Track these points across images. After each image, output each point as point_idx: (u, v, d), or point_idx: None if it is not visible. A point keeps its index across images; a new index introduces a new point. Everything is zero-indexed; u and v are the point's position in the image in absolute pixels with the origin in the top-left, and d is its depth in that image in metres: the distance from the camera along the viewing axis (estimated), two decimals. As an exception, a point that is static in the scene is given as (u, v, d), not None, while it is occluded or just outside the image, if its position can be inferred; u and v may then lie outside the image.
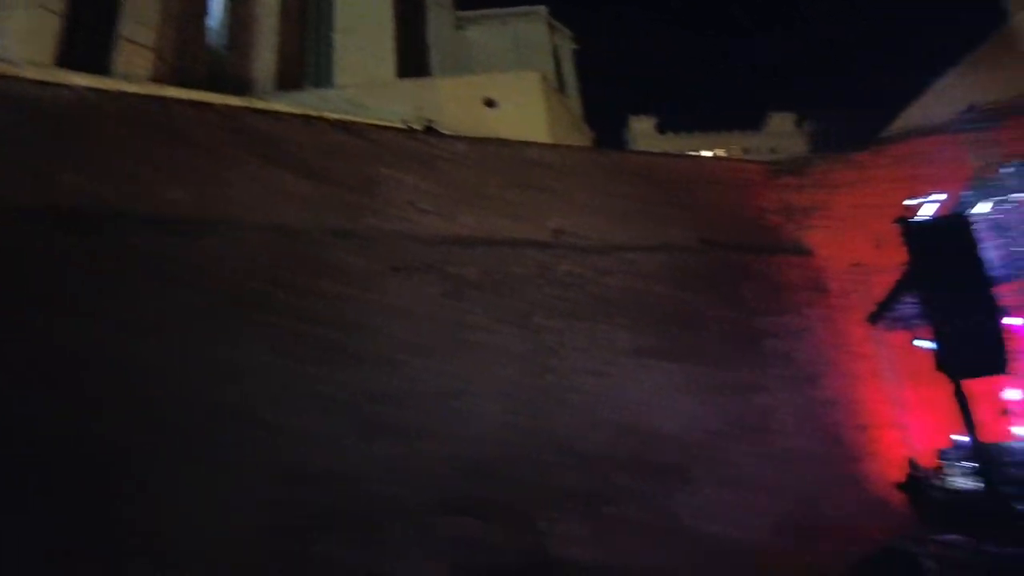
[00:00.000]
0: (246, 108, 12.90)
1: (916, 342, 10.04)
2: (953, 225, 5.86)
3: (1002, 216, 6.71)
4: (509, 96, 25.82)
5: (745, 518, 11.92)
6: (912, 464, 10.30)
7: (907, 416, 12.69)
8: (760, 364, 13.28)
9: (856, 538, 11.05)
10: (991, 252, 6.69)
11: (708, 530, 11.65)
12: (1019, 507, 7.54)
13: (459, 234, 12.40)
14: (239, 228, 10.68)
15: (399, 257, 11.76)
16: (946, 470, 10.18)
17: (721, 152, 34.42)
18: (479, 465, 10.64)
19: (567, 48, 35.75)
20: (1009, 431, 11.62)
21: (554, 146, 16.47)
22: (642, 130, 46.08)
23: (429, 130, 16.92)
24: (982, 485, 6.51)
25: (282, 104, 17.60)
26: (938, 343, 5.77)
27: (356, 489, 9.71)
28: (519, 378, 11.69)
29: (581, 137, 30.11)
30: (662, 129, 46.45)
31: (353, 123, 13.71)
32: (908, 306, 9.52)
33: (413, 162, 12.78)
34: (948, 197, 7.49)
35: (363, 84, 26.07)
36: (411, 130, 15.92)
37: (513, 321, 12.03)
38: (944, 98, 22.66)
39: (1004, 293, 7.61)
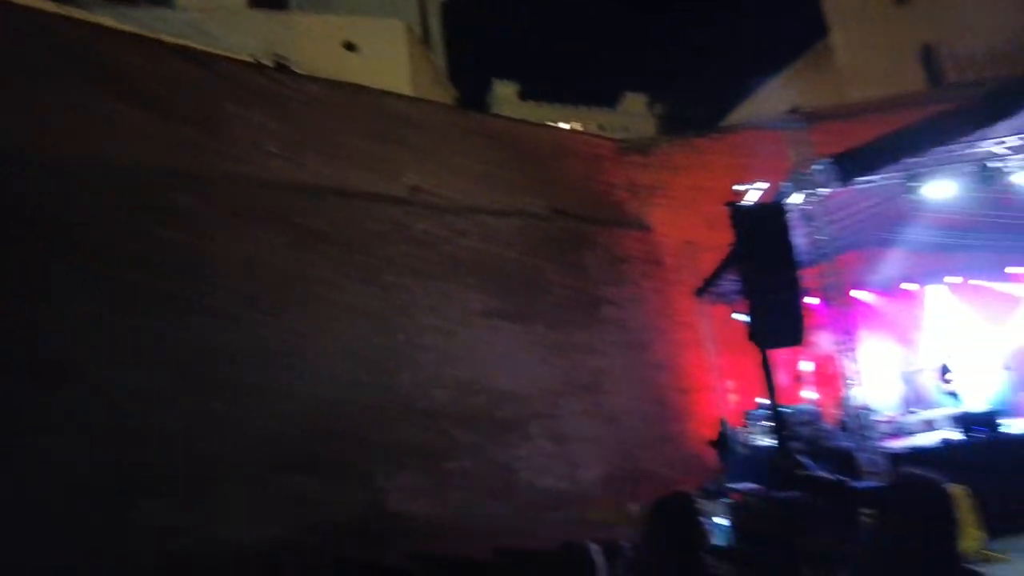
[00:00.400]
0: (62, 16, 11.09)
1: (734, 315, 11.11)
2: (771, 212, 6.55)
3: (811, 207, 7.57)
4: (371, 42, 24.68)
5: (576, 471, 12.79)
6: (722, 423, 11.50)
7: (722, 381, 14.17)
8: (598, 329, 14.10)
9: (673, 486, 12.26)
10: (799, 239, 7.58)
11: (542, 483, 12.35)
12: (801, 459, 8.74)
13: (309, 182, 11.76)
14: (57, 162, 9.25)
15: (242, 203, 10.94)
16: (749, 428, 11.52)
17: (578, 126, 35.48)
18: (318, 423, 10.38)
19: (435, 1, 34.80)
20: (801, 394, 13.39)
21: (416, 100, 16.01)
22: (505, 95, 46.16)
23: (280, 67, 15.73)
24: (776, 441, 7.43)
25: (109, 19, 15.45)
26: (750, 316, 6.42)
27: (187, 449, 9.09)
28: (366, 336, 11.48)
29: (444, 94, 29.61)
30: (524, 96, 46.87)
31: (195, 51, 12.38)
32: (729, 283, 10.50)
33: (262, 101, 11.85)
34: (769, 186, 8.36)
35: (208, 8, 23.62)
36: (260, 65, 14.71)
37: (363, 278, 11.73)
38: (773, 98, 25.09)
39: (806, 276, 8.64)
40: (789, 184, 7.70)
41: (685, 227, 15.23)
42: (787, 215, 7.00)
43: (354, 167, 12.39)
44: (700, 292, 13.06)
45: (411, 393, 11.63)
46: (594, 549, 2.31)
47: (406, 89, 22.60)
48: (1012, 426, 8.78)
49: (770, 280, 6.31)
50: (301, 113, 12.22)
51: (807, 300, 12.22)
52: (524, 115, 28.43)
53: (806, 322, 6.90)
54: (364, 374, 11.27)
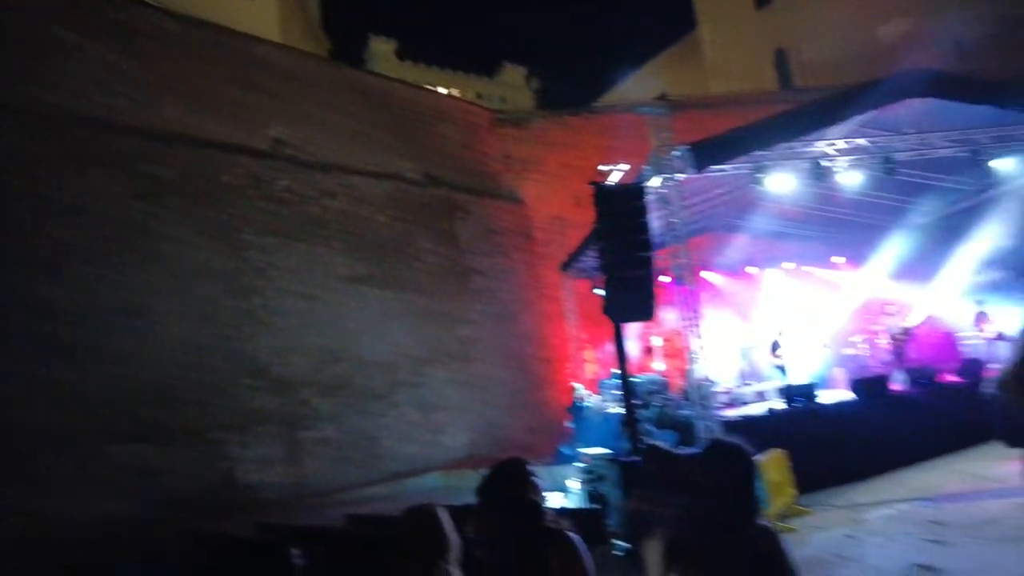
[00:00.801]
0: None
1: (595, 290, 11.59)
2: (630, 193, 6.88)
3: (667, 191, 8.03)
4: (238, -18, 22.84)
5: (441, 439, 12.92)
6: (575, 391, 12.03)
7: (582, 351, 14.84)
8: (468, 299, 14.21)
9: (533, 451, 12.72)
10: (655, 220, 8.03)
11: (407, 451, 12.36)
12: (645, 424, 9.38)
13: (159, 128, 10.74)
14: None
15: (78, 144, 9.80)
16: (603, 397, 12.16)
17: (455, 92, 35.05)
18: (161, 389, 9.68)
19: (311, -56, 32.75)
20: (650, 366, 14.31)
21: (285, 48, 15.01)
22: (382, 52, 44.53)
23: (130, -2, 14.11)
24: (624, 409, 7.90)
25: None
26: (605, 291, 6.75)
27: (12, 418, 8.17)
28: (218, 298, 10.79)
29: (316, 46, 28.15)
30: (402, 55, 45.54)
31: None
32: (591, 259, 10.92)
33: (106, 31, 10.60)
34: (631, 168, 8.78)
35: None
36: (105, -8, 13.12)
37: (216, 235, 10.97)
38: (642, 84, 26.30)
39: (660, 256, 9.17)
40: (649, 168, 8.10)
41: (555, 203, 15.63)
42: (645, 197, 7.38)
43: (211, 114, 11.48)
44: (565, 266, 13.53)
45: (268, 360, 11.14)
46: (441, 511, 2.36)
47: (275, 34, 21.25)
48: (827, 398, 9.94)
49: (626, 258, 6.64)
50: (154, 51, 11.09)
51: (660, 278, 13.06)
52: (401, 75, 27.64)
53: (657, 299, 7.32)
54: (216, 338, 10.63)
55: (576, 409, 11.79)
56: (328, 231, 12.37)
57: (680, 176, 8.06)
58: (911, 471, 8.33)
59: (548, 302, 15.27)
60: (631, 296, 6.80)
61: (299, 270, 11.73)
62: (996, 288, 12.35)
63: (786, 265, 15.85)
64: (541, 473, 8.51)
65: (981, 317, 11.98)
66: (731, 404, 11.96)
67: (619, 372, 7.20)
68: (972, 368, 10.08)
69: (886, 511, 6.68)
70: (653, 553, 1.95)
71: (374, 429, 12.14)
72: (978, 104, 9.03)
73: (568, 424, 12.45)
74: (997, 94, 9.33)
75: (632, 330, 14.80)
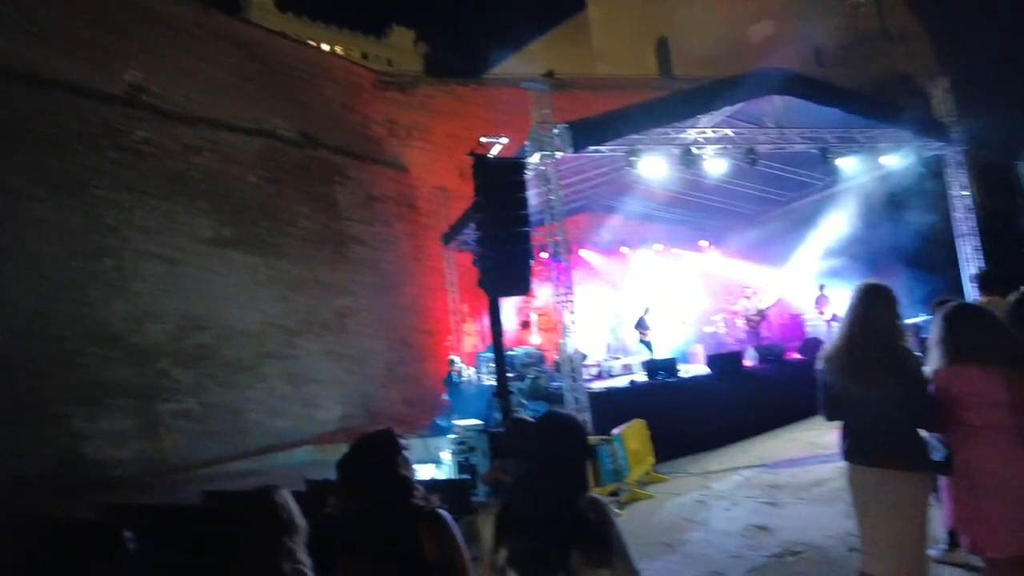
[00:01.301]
0: None
1: (475, 263, 11.58)
2: (510, 167, 6.89)
3: (545, 168, 8.12)
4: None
5: (313, 412, 12.53)
6: (451, 363, 12.07)
7: (462, 324, 14.86)
8: (346, 268, 13.78)
9: (409, 423, 12.62)
10: (534, 197, 8.11)
11: (277, 425, 11.88)
12: (518, 396, 9.58)
13: (-12, 62, 9.46)
14: None
15: None
16: (480, 369, 12.28)
17: (339, 50, 33.50)
18: (-5, 359, 8.70)
19: None
20: (528, 340, 14.62)
21: (147, -14, 13.62)
22: (260, 0, 41.67)
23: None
24: (495, 379, 7.98)
25: None
26: (482, 264, 6.76)
27: None
28: (63, 258, 9.77)
29: (186, -13, 25.75)
30: (283, 7, 42.87)
31: None
32: (473, 232, 10.86)
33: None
34: (513, 143, 8.78)
35: None
36: None
37: (61, 187, 9.87)
38: (530, 60, 26.41)
39: (538, 233, 9.29)
40: (530, 143, 8.14)
41: (440, 173, 15.41)
42: (525, 173, 7.42)
43: (58, 50, 10.23)
44: (447, 238, 13.41)
45: (122, 327, 10.26)
46: (283, 494, 2.24)
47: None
48: (686, 372, 10.57)
49: (503, 232, 6.66)
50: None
51: (540, 255, 13.29)
52: (281, 28, 25.99)
53: (533, 274, 7.41)
54: (59, 303, 9.63)
55: (452, 382, 11.83)
56: (192, 189, 11.49)
57: (559, 154, 8.17)
58: (757, 440, 9.04)
59: (430, 274, 15.12)
60: (507, 270, 6.84)
61: (158, 230, 10.84)
62: (836, 273, 13.60)
63: (656, 246, 16.62)
64: (415, 445, 8.40)
65: (821, 300, 13.20)
66: (600, 376, 12.46)
67: (496, 345, 7.22)
68: (811, 346, 11.06)
69: (733, 477, 7.21)
70: (487, 524, 1.95)
71: (241, 402, 11.57)
72: (828, 106, 9.83)
73: (444, 396, 12.46)
74: (844, 99, 10.22)
75: (510, 304, 15.07)
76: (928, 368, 2.99)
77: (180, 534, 3.63)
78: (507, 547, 1.84)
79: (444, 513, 2.15)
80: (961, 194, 11.28)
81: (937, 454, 2.91)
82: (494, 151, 7.87)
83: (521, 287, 7.08)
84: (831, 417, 3.16)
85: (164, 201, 11.02)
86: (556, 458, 1.90)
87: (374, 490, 2.16)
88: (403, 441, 2.36)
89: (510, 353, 12.20)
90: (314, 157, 13.74)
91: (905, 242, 13.20)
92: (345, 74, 15.42)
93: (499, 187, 6.69)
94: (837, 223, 14.05)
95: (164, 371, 10.70)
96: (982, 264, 11.04)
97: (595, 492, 6.59)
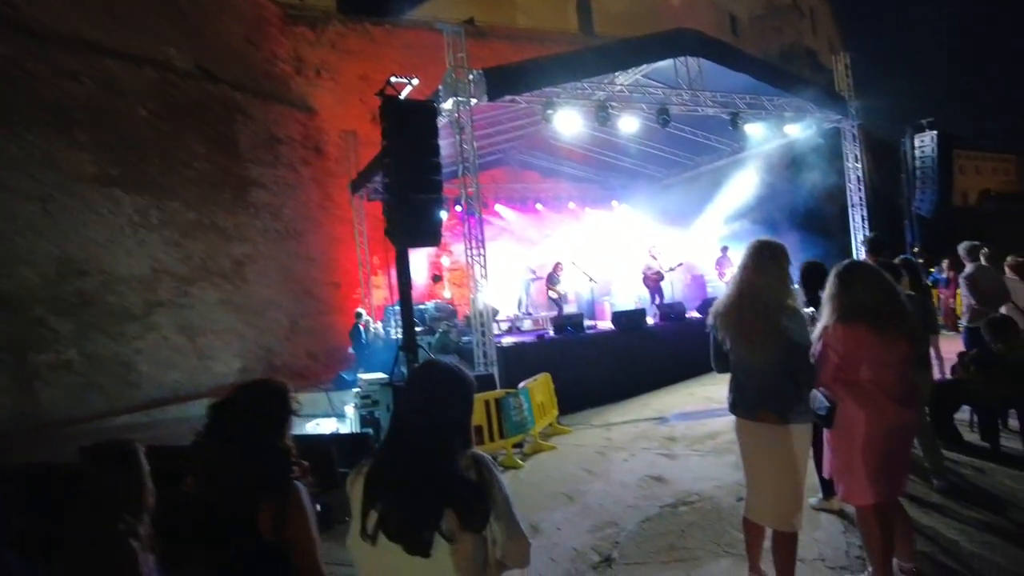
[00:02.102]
0: None
1: (384, 212, 11.19)
2: (421, 110, 6.53)
3: (460, 115, 7.83)
4: None
5: (209, 364, 11.87)
6: (357, 315, 11.71)
7: (372, 276, 14.45)
8: (246, 213, 12.99)
9: (313, 377, 12.24)
10: (448, 146, 7.80)
11: (168, 378, 11.20)
12: (429, 352, 9.42)
13: None
14: None
15: None
16: (386, 322, 11.99)
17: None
18: None
19: None
20: (441, 293, 14.42)
21: None
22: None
23: None
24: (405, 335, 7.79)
25: None
26: (389, 213, 6.46)
27: None
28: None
29: None
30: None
31: None
32: (381, 179, 10.45)
33: None
34: (427, 90, 8.40)
35: None
36: None
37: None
38: (450, 5, 25.51)
39: (452, 184, 9.04)
40: (444, 88, 7.81)
41: (349, 116, 14.69)
42: (437, 117, 7.10)
43: None
44: (356, 186, 12.90)
45: (-16, 270, 9.24)
46: (135, 450, 1.98)
47: None
48: (593, 328, 10.73)
49: (413, 179, 6.36)
50: None
51: (452, 207, 13.03)
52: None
53: (443, 225, 7.19)
54: (-94, 240, 8.53)
55: (358, 335, 11.50)
56: (70, 121, 10.36)
57: (474, 101, 7.89)
58: (656, 394, 9.34)
59: (338, 223, 14.55)
60: (417, 220, 6.55)
61: (28, 164, 9.73)
62: (738, 236, 14.11)
63: (569, 204, 16.70)
64: (318, 399, 8.13)
65: (722, 261, 13.67)
66: (510, 332, 12.51)
67: (402, 297, 6.98)
68: (709, 306, 11.44)
69: (632, 429, 7.42)
70: (356, 487, 1.74)
71: (128, 353, 10.79)
72: (739, 71, 10.01)
73: (350, 350, 12.13)
74: (754, 65, 10.44)
75: (421, 257, 14.78)
76: (819, 324, 3.05)
77: (43, 494, 3.28)
78: (377, 509, 1.66)
79: (297, 484, 1.91)
80: (855, 166, 11.86)
81: (821, 408, 2.98)
82: (405, 92, 7.47)
83: (430, 238, 6.82)
84: (720, 370, 3.21)
85: (35, 133, 9.88)
86: (434, 412, 1.72)
87: (231, 453, 1.87)
88: (295, 402, 2.12)
89: (420, 307, 12.13)
90: (213, 93, 12.72)
91: (802, 208, 13.88)
92: (249, 5, 14.26)
93: (410, 131, 6.35)
94: (741, 188, 14.54)
95: (39, 319, 9.77)
96: (867, 233, 11.74)
97: (495, 445, 6.63)
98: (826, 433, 3.09)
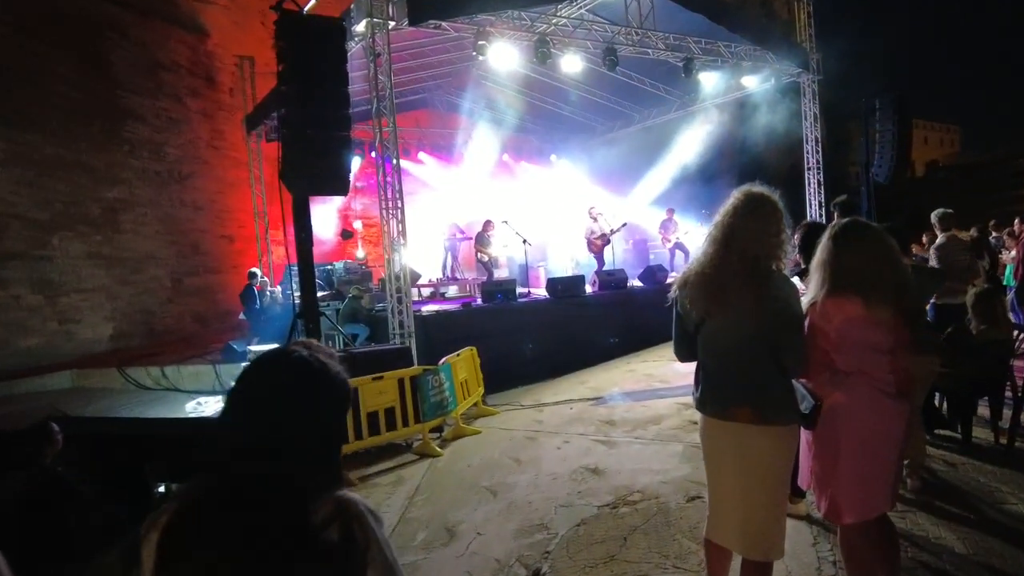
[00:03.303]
0: None
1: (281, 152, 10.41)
2: (330, 29, 5.75)
3: (375, 41, 7.12)
4: None
5: (76, 329, 10.86)
6: (250, 276, 11.00)
7: (273, 230, 13.52)
8: (120, 151, 11.82)
9: (201, 345, 11.40)
10: (361, 81, 7.12)
11: (21, 344, 10.15)
12: (334, 321, 8.85)
13: None
14: None
15: None
16: (285, 283, 11.29)
17: None
18: None
19: None
20: (352, 252, 13.72)
21: None
22: None
23: None
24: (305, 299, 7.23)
25: None
26: (285, 152, 5.80)
27: None
28: None
29: None
30: None
31: None
32: (278, 113, 9.64)
33: None
34: (335, 9, 7.62)
35: None
36: None
37: None
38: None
39: (366, 125, 8.36)
40: (356, 7, 7.07)
41: (247, 41, 13.55)
42: (347, 40, 6.40)
43: None
44: (252, 122, 11.93)
45: None
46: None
47: None
48: (525, 296, 10.43)
49: (316, 112, 5.71)
50: None
51: (368, 152, 12.29)
52: None
53: (353, 172, 6.63)
54: None
55: (251, 298, 10.73)
56: None
57: (392, 24, 7.21)
58: (594, 370, 9.15)
59: (231, 166, 13.57)
60: (320, 162, 5.92)
61: None
62: (685, 198, 14.02)
63: (503, 156, 16.21)
64: (205, 372, 7.49)
65: (668, 224, 13.56)
66: (433, 298, 12.10)
67: (300, 254, 6.39)
68: (653, 274, 11.37)
69: (566, 411, 7.16)
70: (147, 544, 1.17)
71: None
72: (694, 10, 9.64)
73: (242, 316, 11.37)
74: (711, 5, 10.08)
75: (331, 210, 14.01)
76: (805, 298, 2.70)
77: None
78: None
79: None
80: (812, 126, 11.85)
81: (803, 404, 2.64)
82: (308, 7, 6.71)
83: (336, 186, 6.20)
84: (685, 357, 2.78)
85: None
86: (278, 433, 1.19)
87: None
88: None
89: (326, 267, 11.60)
90: (78, 5, 11.36)
91: (754, 169, 13.84)
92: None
93: (313, 53, 5.65)
94: (690, 145, 14.38)
95: None
96: (823, 197, 11.80)
97: (411, 430, 6.21)
98: (804, 435, 2.75)
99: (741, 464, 2.55)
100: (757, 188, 2.63)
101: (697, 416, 2.73)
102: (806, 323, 2.62)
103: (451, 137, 15.52)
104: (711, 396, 2.63)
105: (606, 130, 15.74)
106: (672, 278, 11.78)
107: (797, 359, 2.54)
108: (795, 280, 3.25)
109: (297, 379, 1.22)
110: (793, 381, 2.63)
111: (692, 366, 2.75)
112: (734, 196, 2.63)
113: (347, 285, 10.87)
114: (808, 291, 2.71)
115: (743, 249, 2.51)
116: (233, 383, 1.27)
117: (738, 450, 2.55)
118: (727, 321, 2.53)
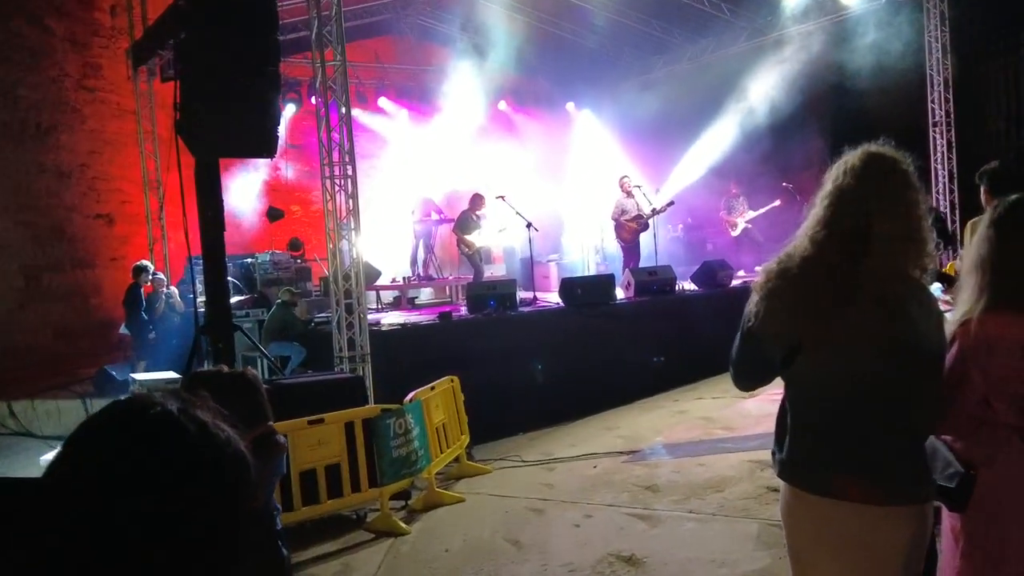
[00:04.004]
0: None
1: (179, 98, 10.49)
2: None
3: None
4: None
5: None
6: (135, 272, 11.06)
7: (172, 207, 13.50)
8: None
9: (65, 371, 11.45)
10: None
11: None
12: (255, 337, 8.84)
13: None
14: None
15: None
16: (186, 282, 11.34)
17: None
18: None
19: None
20: (283, 240, 13.67)
21: None
22: None
23: None
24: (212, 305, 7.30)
25: None
26: (183, 98, 5.74)
27: None
28: None
29: None
30: None
31: None
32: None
33: None
34: None
35: None
36: None
37: None
38: None
39: (295, 61, 8.37)
40: None
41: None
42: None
43: None
44: (142, 54, 11.88)
45: None
46: None
47: None
48: (531, 300, 10.51)
49: (231, 40, 5.73)
50: None
51: (307, 97, 12.21)
52: None
53: (281, 124, 6.68)
54: None
55: (137, 303, 10.84)
56: None
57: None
58: (626, 411, 9.20)
59: (113, 116, 13.69)
60: (236, 111, 6.00)
61: None
62: (757, 169, 13.97)
63: (502, 106, 16.23)
64: (69, 409, 7.59)
65: (733, 205, 13.53)
66: (398, 306, 12.19)
67: (207, 242, 6.45)
68: (712, 274, 11.37)
69: (588, 470, 7.13)
70: None
71: None
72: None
73: (123, 329, 11.55)
74: None
75: (254, 179, 13.97)
76: (951, 315, 2.61)
77: None
78: None
79: None
80: (941, 64, 11.85)
81: (945, 473, 2.56)
82: None
83: (258, 143, 6.28)
84: (751, 384, 2.72)
85: None
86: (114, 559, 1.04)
87: None
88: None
89: (245, 260, 11.77)
90: None
91: (855, 126, 13.78)
92: None
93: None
94: (764, 90, 14.35)
95: None
96: (954, 160, 11.81)
97: (364, 497, 6.15)
98: (947, 519, 2.66)
99: (850, 561, 2.47)
100: (885, 149, 2.55)
101: (779, 483, 2.65)
102: (952, 352, 2.53)
103: (425, 77, 15.55)
104: (806, 459, 2.55)
105: (644, 68, 15.77)
106: (741, 280, 11.75)
107: (934, 408, 2.48)
108: (935, 289, 3.17)
109: (149, 458, 1.05)
110: (931, 439, 2.55)
111: (769, 405, 2.66)
112: (848, 160, 2.54)
113: (274, 286, 11.07)
114: (956, 306, 2.62)
115: (874, 240, 2.42)
116: (58, 454, 1.12)
117: (846, 541, 2.48)
118: (836, 352, 2.44)
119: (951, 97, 11.96)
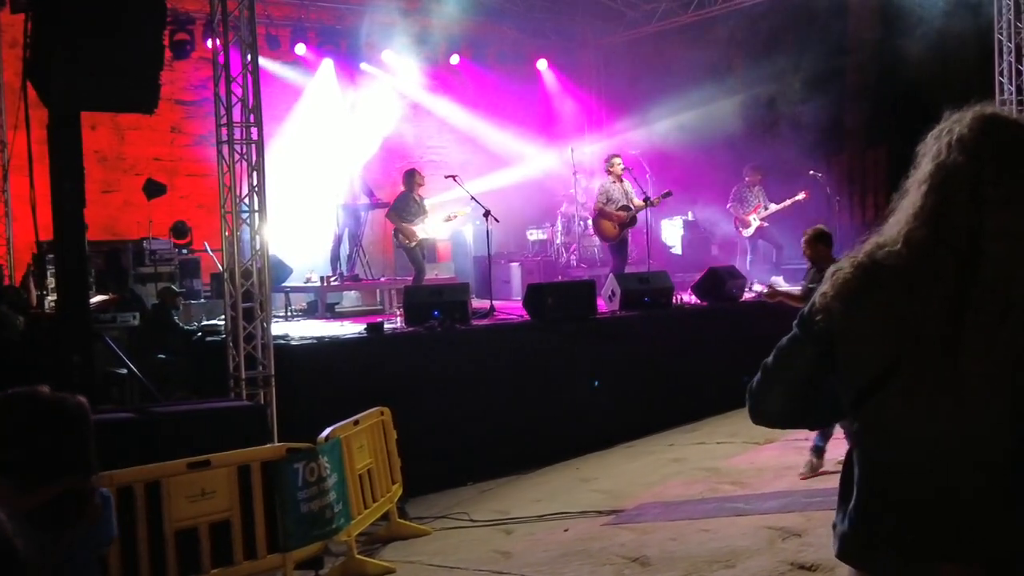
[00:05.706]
0: None
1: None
2: None
3: None
4: None
5: None
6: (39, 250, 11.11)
7: (17, 180, 13.39)
8: None
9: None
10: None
11: None
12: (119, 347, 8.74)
13: None
14: None
15: None
16: (31, 279, 11.27)
17: None
18: None
19: None
20: (168, 230, 13.56)
21: None
22: None
23: None
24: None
25: None
26: (38, 35, 5.70)
27: None
28: None
29: None
30: None
31: None
32: None
33: None
34: None
35: None
36: None
37: None
38: None
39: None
40: None
41: None
42: None
43: None
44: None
45: None
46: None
47: None
48: (486, 310, 10.58)
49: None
50: None
51: (202, 39, 12.09)
52: None
53: (160, 71, 6.64)
54: None
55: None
56: None
57: None
58: (609, 456, 9.29)
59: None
60: (105, 52, 5.94)
61: None
62: (778, 151, 14.05)
63: (454, 59, 16.25)
64: None
65: (746, 196, 13.57)
66: (313, 313, 12.28)
67: (62, 223, 6.40)
68: (720, 281, 11.37)
69: (557, 535, 7.10)
70: None
71: None
72: None
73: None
74: None
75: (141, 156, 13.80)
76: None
77: None
78: None
79: None
80: (1011, 25, 11.95)
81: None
82: None
83: (134, 94, 6.25)
84: (781, 415, 2.58)
85: None
86: None
87: None
88: None
89: (112, 248, 11.68)
90: None
91: (902, 98, 13.96)
92: None
93: None
94: (789, 47, 14.45)
95: None
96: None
97: (264, 564, 6.14)
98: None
99: None
100: (1005, 112, 2.42)
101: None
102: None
103: (355, 20, 15.48)
104: (892, 538, 2.42)
105: (639, 18, 15.83)
106: (755, 294, 11.71)
107: None
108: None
109: None
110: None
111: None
112: (952, 128, 2.40)
113: (150, 283, 11.21)
114: None
115: (996, 242, 2.29)
116: None
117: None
118: (939, 391, 2.30)
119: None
